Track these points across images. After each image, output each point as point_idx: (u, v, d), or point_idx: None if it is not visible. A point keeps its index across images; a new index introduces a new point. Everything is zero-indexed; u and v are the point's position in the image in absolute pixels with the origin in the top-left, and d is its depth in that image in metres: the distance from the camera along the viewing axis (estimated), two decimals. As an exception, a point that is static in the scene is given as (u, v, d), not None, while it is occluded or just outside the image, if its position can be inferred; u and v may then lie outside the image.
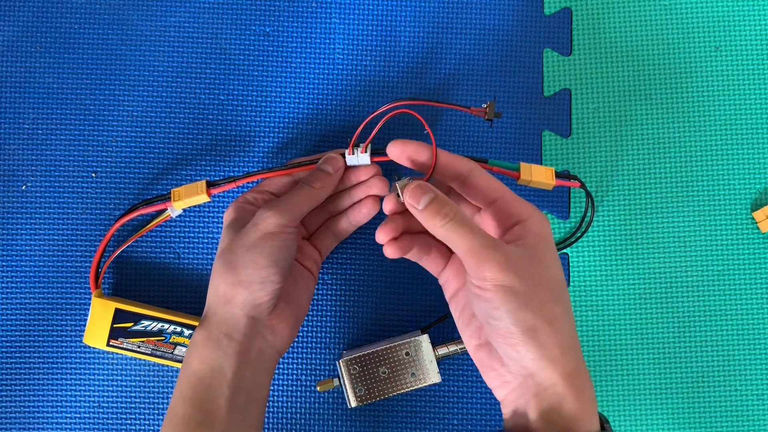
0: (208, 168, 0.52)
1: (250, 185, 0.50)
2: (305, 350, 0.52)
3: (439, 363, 0.48)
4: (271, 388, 0.51)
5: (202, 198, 0.47)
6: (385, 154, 0.43)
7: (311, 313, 0.52)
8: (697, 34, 0.54)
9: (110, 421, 0.51)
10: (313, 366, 0.52)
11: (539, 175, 0.46)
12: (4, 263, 0.51)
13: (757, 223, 0.53)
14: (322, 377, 0.51)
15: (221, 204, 0.52)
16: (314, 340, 0.52)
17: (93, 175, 0.52)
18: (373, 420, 0.52)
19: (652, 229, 0.53)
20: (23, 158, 0.52)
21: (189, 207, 0.50)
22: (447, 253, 0.45)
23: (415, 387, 0.48)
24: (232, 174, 0.52)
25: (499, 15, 0.54)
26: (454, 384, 0.52)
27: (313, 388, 0.51)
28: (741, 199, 0.53)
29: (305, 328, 0.52)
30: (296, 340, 0.52)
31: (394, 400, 0.51)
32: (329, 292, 0.52)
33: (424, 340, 0.48)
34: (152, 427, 0.51)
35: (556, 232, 0.53)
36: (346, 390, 0.48)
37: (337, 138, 0.53)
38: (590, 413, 0.38)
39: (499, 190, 0.41)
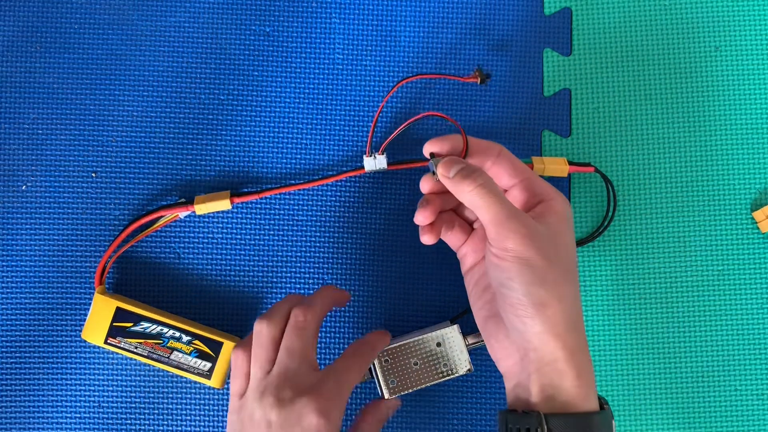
0: (208, 168, 0.52)
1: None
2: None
3: (470, 353, 0.48)
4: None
5: (224, 204, 0.50)
6: (404, 161, 0.50)
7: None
8: (697, 34, 0.54)
9: (110, 421, 0.51)
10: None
11: (552, 166, 0.49)
12: (4, 263, 0.51)
13: (757, 223, 0.53)
14: None
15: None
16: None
17: (93, 175, 0.52)
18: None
19: (652, 229, 0.53)
20: (23, 158, 0.52)
21: (210, 212, 0.51)
22: (468, 229, 0.46)
23: (448, 377, 0.48)
24: (231, 174, 0.52)
25: (499, 15, 0.54)
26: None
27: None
28: (741, 199, 0.53)
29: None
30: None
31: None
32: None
33: (454, 330, 0.48)
34: (152, 427, 0.51)
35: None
36: (379, 382, 0.48)
37: (336, 138, 0.53)
38: (590, 392, 0.39)
39: (526, 171, 0.44)
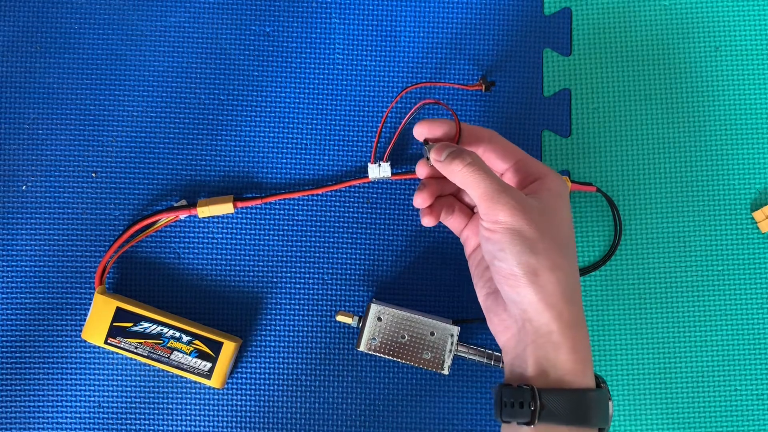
0: (209, 168, 0.52)
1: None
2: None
3: (453, 359, 0.49)
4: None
5: (227, 208, 0.50)
6: (409, 171, 0.50)
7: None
8: (697, 34, 0.54)
9: (110, 421, 0.51)
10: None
11: None
12: (4, 263, 0.51)
13: (757, 223, 0.53)
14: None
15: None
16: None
17: (93, 175, 0.52)
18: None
19: (652, 229, 0.53)
20: (23, 158, 0.52)
21: (213, 215, 0.52)
22: (469, 213, 0.47)
23: (423, 367, 0.49)
24: (231, 174, 0.52)
25: (499, 15, 0.54)
26: (455, 384, 0.52)
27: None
28: (741, 199, 0.53)
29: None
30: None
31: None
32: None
33: (454, 331, 0.49)
34: (152, 427, 0.51)
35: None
36: (362, 332, 0.48)
37: (336, 138, 0.53)
38: (585, 369, 0.39)
39: (519, 153, 0.44)
